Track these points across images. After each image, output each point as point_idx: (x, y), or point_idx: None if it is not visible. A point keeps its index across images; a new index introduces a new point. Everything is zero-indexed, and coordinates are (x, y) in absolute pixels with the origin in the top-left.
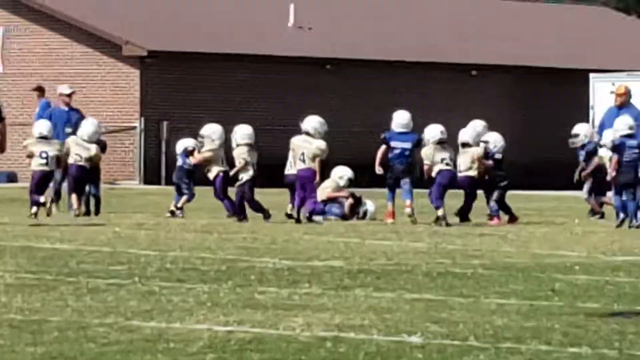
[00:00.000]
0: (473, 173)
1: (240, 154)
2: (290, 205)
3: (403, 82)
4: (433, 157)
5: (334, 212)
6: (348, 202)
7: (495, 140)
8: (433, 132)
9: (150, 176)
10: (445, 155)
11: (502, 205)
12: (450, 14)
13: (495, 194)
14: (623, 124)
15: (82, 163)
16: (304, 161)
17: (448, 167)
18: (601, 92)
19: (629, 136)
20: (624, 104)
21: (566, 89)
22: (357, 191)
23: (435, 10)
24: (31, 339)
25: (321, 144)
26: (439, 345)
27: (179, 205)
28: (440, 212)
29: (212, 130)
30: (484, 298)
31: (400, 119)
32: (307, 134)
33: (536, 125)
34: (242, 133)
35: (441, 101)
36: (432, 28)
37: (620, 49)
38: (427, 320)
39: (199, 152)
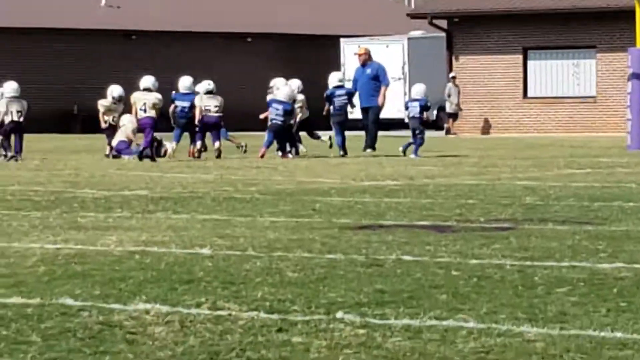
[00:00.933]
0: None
1: None
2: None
3: (191, 48)
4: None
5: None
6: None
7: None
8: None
9: None
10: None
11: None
12: None
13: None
14: (334, 78)
15: None
16: (144, 110)
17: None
18: (349, 54)
19: (339, 87)
20: (365, 61)
21: (321, 51)
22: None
23: None
24: None
25: (158, 95)
26: (224, 255)
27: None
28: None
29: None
30: (260, 217)
31: (184, 82)
32: (147, 89)
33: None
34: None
35: (221, 65)
36: (213, 2)
37: (364, 19)
38: (214, 236)
39: None
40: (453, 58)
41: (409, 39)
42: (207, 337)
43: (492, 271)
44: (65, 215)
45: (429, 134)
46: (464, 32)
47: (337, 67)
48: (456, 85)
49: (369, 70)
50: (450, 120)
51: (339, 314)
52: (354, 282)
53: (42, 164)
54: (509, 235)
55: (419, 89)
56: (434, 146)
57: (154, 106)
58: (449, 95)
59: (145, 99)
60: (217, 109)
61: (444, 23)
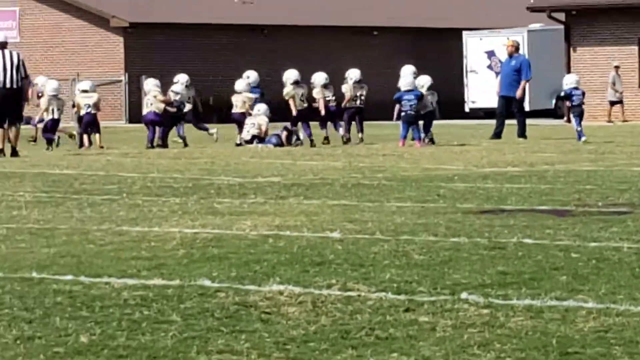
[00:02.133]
0: None
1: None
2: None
3: (320, 42)
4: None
5: (273, 141)
6: (284, 134)
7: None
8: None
9: (133, 117)
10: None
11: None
12: None
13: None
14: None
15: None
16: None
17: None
18: (471, 46)
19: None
20: (512, 53)
21: (444, 44)
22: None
23: None
24: (45, 242)
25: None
26: (353, 239)
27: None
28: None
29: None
30: (387, 202)
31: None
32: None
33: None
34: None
35: (349, 57)
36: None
37: (485, 12)
38: (344, 220)
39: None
40: (571, 50)
41: (528, 31)
42: (337, 317)
43: (610, 253)
44: (202, 201)
45: (549, 122)
46: (581, 24)
47: (459, 59)
48: (619, 75)
49: (513, 62)
50: (613, 107)
51: (464, 295)
52: (477, 264)
53: (180, 153)
54: (626, 219)
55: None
56: (554, 134)
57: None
58: (614, 84)
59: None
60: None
61: (562, 16)
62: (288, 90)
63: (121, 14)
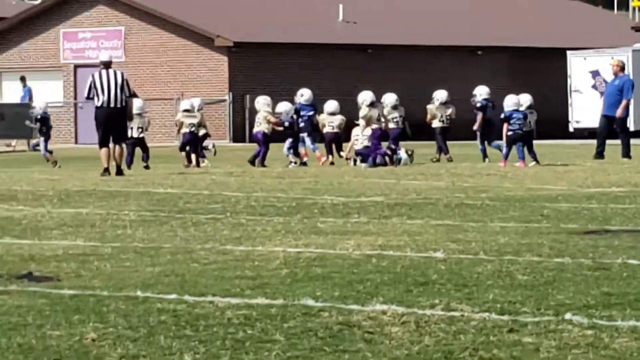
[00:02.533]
0: None
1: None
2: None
3: (424, 62)
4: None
5: (377, 161)
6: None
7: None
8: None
9: (237, 136)
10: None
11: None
12: (458, 4)
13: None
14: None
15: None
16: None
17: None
18: (575, 65)
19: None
20: (617, 73)
21: (548, 63)
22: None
23: (446, 4)
24: (150, 261)
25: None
26: (457, 259)
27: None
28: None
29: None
30: (490, 222)
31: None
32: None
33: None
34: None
35: (452, 78)
36: (444, 17)
37: (590, 31)
38: (447, 240)
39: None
40: None
41: (633, 51)
42: (441, 337)
43: None
44: (305, 220)
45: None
46: None
47: (563, 79)
48: None
49: (617, 82)
50: None
51: (568, 315)
52: (581, 285)
53: (284, 172)
54: None
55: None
56: None
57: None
58: None
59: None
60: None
61: None
62: (365, 112)
63: (226, 34)
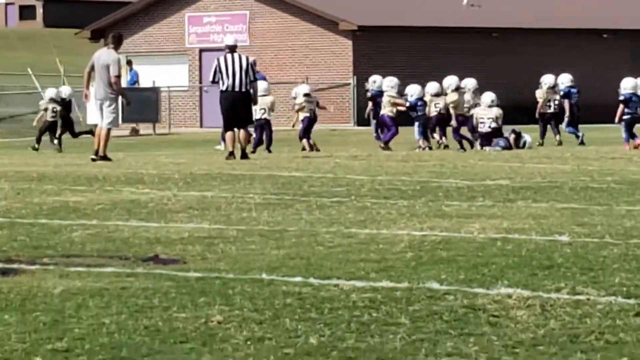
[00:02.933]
0: None
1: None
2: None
3: (549, 45)
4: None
5: (501, 144)
6: (512, 136)
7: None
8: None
9: (361, 120)
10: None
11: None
12: None
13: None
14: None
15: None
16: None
17: None
18: None
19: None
20: None
21: None
22: (517, 127)
23: None
24: (275, 244)
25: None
26: (582, 242)
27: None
28: None
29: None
30: (616, 206)
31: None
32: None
33: None
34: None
35: (577, 61)
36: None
37: None
38: (573, 224)
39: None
40: None
41: None
42: (566, 321)
43: None
44: (430, 203)
45: None
46: None
47: None
48: None
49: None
50: None
51: None
52: None
53: (408, 155)
54: None
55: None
56: None
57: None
58: None
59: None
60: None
61: None
62: (454, 98)
63: (350, 18)
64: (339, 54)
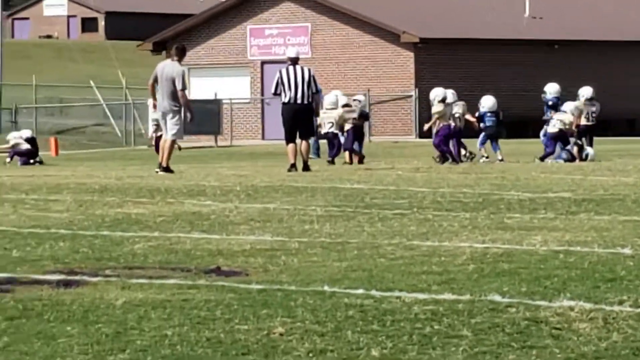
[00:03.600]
0: None
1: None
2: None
3: (611, 57)
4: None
5: (563, 156)
6: (574, 149)
7: None
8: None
9: (423, 132)
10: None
11: None
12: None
13: None
14: None
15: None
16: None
17: None
18: None
19: None
20: None
21: None
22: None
23: None
24: (337, 256)
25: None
26: None
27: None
28: None
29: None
30: None
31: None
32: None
33: None
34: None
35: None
36: (631, 11)
37: None
38: (635, 236)
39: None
40: None
41: None
42: (629, 333)
43: None
44: (492, 216)
45: None
46: None
47: None
48: None
49: None
50: None
51: None
52: None
53: (469, 168)
54: None
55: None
56: None
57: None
58: None
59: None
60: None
61: None
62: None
63: (412, 30)
64: (401, 66)
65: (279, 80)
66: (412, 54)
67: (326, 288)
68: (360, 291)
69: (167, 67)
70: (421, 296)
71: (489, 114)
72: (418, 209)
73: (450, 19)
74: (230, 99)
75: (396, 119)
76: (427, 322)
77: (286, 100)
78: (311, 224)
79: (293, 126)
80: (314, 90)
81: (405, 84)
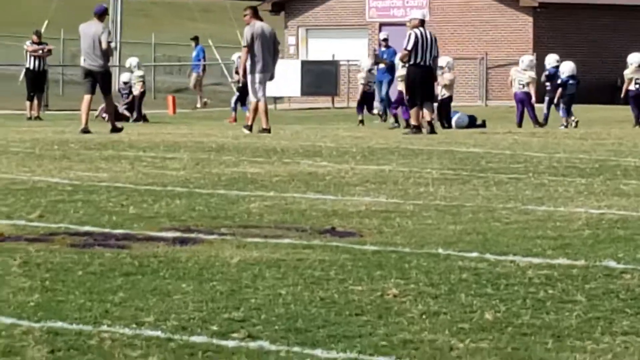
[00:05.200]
0: None
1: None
2: None
3: None
4: None
5: None
6: None
7: None
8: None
9: (540, 97)
10: None
11: None
12: None
13: None
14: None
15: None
16: None
17: None
18: None
19: None
20: None
21: None
22: None
23: None
24: (451, 219)
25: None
26: None
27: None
28: None
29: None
30: None
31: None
32: None
33: None
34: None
35: None
36: None
37: None
38: None
39: None
40: None
41: None
42: None
43: None
44: (608, 182)
45: None
46: None
47: None
48: None
49: None
50: None
51: None
52: None
53: (587, 134)
54: None
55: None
56: None
57: None
58: None
59: None
60: None
61: None
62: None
63: None
64: (519, 30)
65: (416, 40)
66: (530, 19)
67: (440, 251)
68: (475, 254)
69: (265, 27)
70: (535, 260)
71: (571, 81)
72: (534, 173)
73: None
74: (348, 61)
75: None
76: (541, 287)
77: (419, 61)
78: (426, 186)
79: (419, 89)
80: (435, 54)
81: (523, 49)
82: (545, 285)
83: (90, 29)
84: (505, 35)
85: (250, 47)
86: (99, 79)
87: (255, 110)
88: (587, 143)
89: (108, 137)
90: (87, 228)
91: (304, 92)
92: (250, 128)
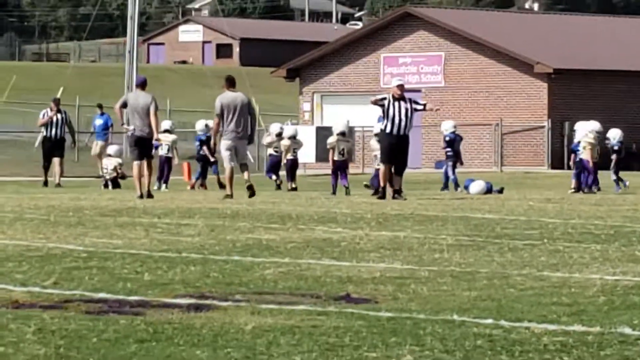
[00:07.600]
0: None
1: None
2: None
3: None
4: None
5: None
6: None
7: None
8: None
9: (556, 163)
10: None
11: None
12: None
13: None
14: None
15: None
16: None
17: None
18: None
19: None
20: None
21: None
22: None
23: None
24: (466, 285)
25: None
26: None
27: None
28: None
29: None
30: None
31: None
32: None
33: None
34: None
35: None
36: None
37: None
38: None
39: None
40: None
41: None
42: None
43: None
44: (623, 248)
45: None
46: None
47: None
48: None
49: None
50: None
51: None
52: None
53: (602, 199)
54: None
55: None
56: None
57: None
58: None
59: None
60: None
61: None
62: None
63: (546, 60)
64: (534, 96)
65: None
66: (545, 85)
67: (455, 317)
68: (490, 321)
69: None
70: (550, 327)
71: (620, 145)
72: (549, 239)
73: (585, 50)
74: (362, 127)
75: (528, 149)
76: (556, 354)
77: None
78: (441, 252)
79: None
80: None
81: (538, 115)
82: (561, 352)
83: (138, 99)
84: (520, 101)
85: (220, 116)
86: (147, 145)
87: (231, 177)
88: (602, 209)
89: (123, 204)
90: (101, 295)
91: (319, 158)
92: (230, 196)
